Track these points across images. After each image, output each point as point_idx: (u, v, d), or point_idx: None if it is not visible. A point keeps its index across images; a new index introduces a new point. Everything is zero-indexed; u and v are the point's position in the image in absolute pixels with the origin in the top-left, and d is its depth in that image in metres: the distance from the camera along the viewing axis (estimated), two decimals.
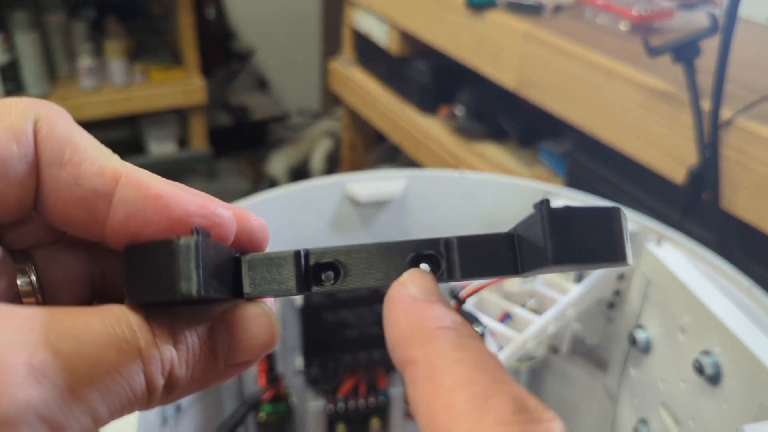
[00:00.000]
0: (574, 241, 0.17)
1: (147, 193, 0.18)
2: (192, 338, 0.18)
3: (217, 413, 0.58)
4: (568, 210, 0.17)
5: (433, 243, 0.19)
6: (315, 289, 0.20)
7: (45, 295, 0.20)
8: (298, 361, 0.59)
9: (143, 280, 0.18)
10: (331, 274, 0.20)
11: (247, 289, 0.19)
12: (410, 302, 0.18)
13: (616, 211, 0.17)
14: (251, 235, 0.20)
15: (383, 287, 0.19)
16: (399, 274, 0.19)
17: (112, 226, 0.18)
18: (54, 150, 0.18)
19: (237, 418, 0.52)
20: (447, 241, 0.19)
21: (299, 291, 0.20)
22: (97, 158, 0.18)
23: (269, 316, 0.20)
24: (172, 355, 0.18)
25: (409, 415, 0.64)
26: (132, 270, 0.18)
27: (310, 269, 0.20)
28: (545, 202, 0.17)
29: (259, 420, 0.58)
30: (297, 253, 0.20)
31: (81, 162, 0.18)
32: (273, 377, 0.57)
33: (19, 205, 0.18)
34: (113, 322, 0.17)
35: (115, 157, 0.19)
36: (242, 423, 0.53)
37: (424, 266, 0.19)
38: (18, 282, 0.19)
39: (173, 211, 0.18)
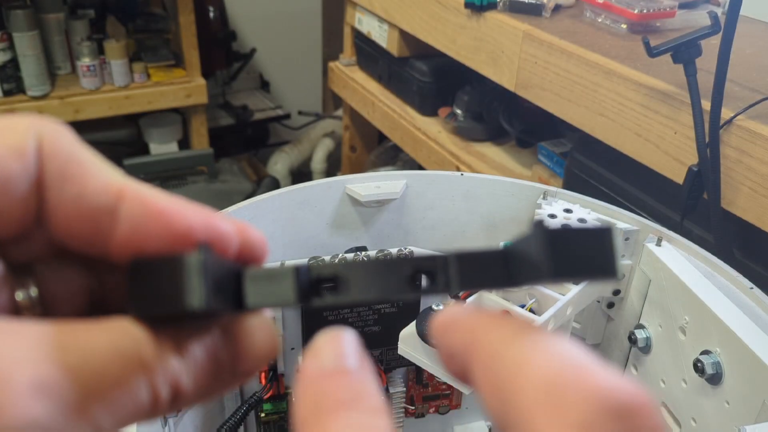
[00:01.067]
0: (569, 258, 0.18)
1: (150, 209, 0.18)
2: (196, 350, 0.19)
3: (217, 413, 0.58)
4: (564, 230, 0.18)
5: (430, 259, 0.20)
6: (315, 301, 0.20)
7: (45, 309, 0.20)
8: (299, 360, 0.59)
9: (149, 294, 0.18)
10: (331, 287, 0.20)
11: (248, 301, 0.20)
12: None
13: (608, 230, 0.19)
14: (251, 248, 0.21)
15: (381, 300, 0.20)
16: (397, 287, 0.20)
17: (116, 241, 0.19)
18: (58, 167, 0.18)
19: (238, 418, 0.52)
20: (445, 259, 0.20)
21: (299, 303, 0.20)
22: (101, 174, 0.19)
23: (270, 327, 0.20)
24: (178, 367, 0.18)
25: (409, 413, 0.64)
26: (137, 284, 0.18)
27: (311, 282, 0.20)
28: (541, 222, 0.19)
29: (260, 419, 0.58)
30: (298, 267, 0.20)
31: (85, 178, 0.18)
32: (274, 376, 0.57)
33: (22, 222, 0.18)
34: (119, 335, 0.17)
35: (118, 173, 0.19)
36: (243, 422, 0.53)
37: (424, 281, 0.20)
38: (18, 296, 0.19)
39: (176, 225, 0.18)
